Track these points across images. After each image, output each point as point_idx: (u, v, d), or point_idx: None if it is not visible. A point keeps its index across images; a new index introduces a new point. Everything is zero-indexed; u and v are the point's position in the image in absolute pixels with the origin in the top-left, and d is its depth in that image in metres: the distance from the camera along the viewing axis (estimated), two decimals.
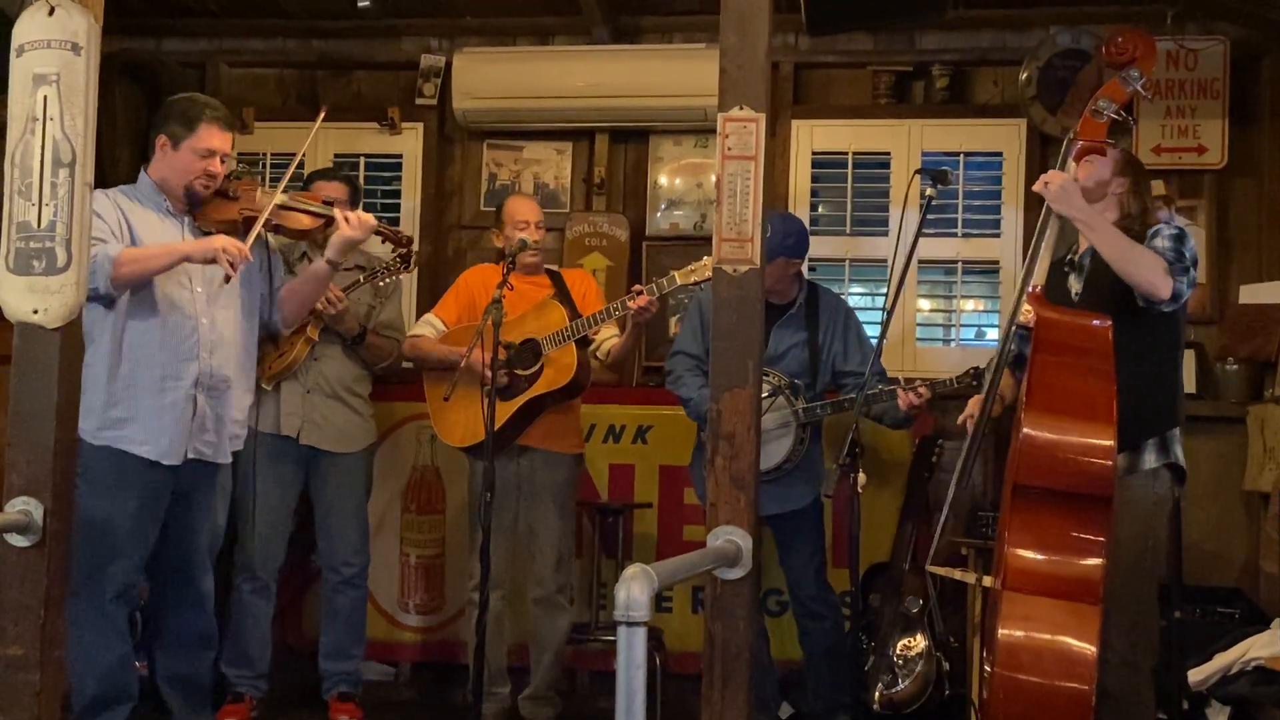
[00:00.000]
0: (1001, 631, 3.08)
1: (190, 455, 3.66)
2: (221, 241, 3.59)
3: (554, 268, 4.88)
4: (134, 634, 3.85)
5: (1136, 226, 3.47)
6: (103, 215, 3.51)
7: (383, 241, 4.24)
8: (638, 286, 4.44)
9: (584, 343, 4.55)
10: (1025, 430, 3.13)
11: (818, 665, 4.56)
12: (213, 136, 3.67)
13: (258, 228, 3.71)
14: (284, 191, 3.85)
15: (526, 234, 4.58)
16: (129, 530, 3.59)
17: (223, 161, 3.72)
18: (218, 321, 3.69)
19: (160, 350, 3.62)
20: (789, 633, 4.80)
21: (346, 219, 3.81)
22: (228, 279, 3.58)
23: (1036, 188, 3.40)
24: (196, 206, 3.72)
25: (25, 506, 2.89)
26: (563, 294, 4.64)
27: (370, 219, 3.87)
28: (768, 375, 4.35)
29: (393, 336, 4.80)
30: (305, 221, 3.87)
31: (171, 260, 3.58)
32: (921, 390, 4.22)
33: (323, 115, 3.98)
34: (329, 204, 3.95)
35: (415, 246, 4.24)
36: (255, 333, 3.87)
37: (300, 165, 5.44)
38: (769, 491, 4.29)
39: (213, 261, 3.57)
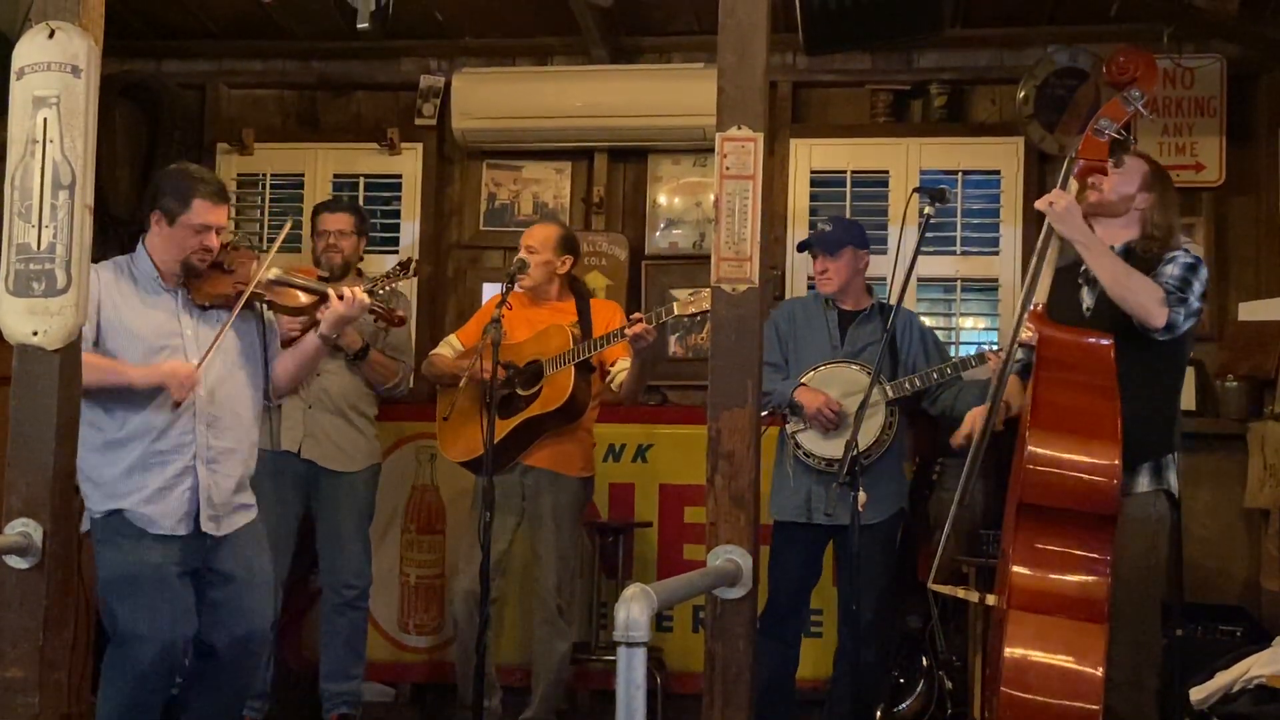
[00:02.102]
0: (1007, 651, 3.07)
1: (199, 529, 3.59)
2: (169, 368, 3.55)
3: (589, 295, 4.84)
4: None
5: (1156, 248, 3.44)
6: None
7: (375, 321, 4.12)
8: (637, 314, 4.43)
9: (586, 367, 4.54)
10: (1030, 448, 3.13)
11: (846, 684, 4.43)
12: (207, 212, 3.62)
13: (243, 299, 3.64)
14: (278, 265, 3.79)
15: (523, 255, 4.62)
16: (156, 578, 3.52)
17: (218, 234, 3.68)
18: (216, 395, 3.64)
19: (155, 425, 3.56)
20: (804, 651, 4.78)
21: (340, 296, 3.74)
22: (177, 404, 3.53)
23: (1039, 206, 3.40)
24: (193, 279, 3.68)
25: (24, 528, 2.89)
26: (585, 321, 4.64)
27: (365, 298, 3.77)
28: (852, 364, 4.37)
29: (400, 359, 4.80)
30: (300, 299, 3.81)
31: (117, 382, 3.53)
32: (1001, 353, 4.15)
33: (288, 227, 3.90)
34: (324, 279, 3.90)
35: (410, 284, 4.13)
36: (260, 404, 3.82)
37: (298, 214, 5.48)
38: (845, 496, 4.21)
39: (160, 388, 3.53)
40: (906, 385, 4.33)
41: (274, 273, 3.77)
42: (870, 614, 4.31)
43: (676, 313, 4.33)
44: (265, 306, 3.81)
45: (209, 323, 3.69)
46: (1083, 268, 3.56)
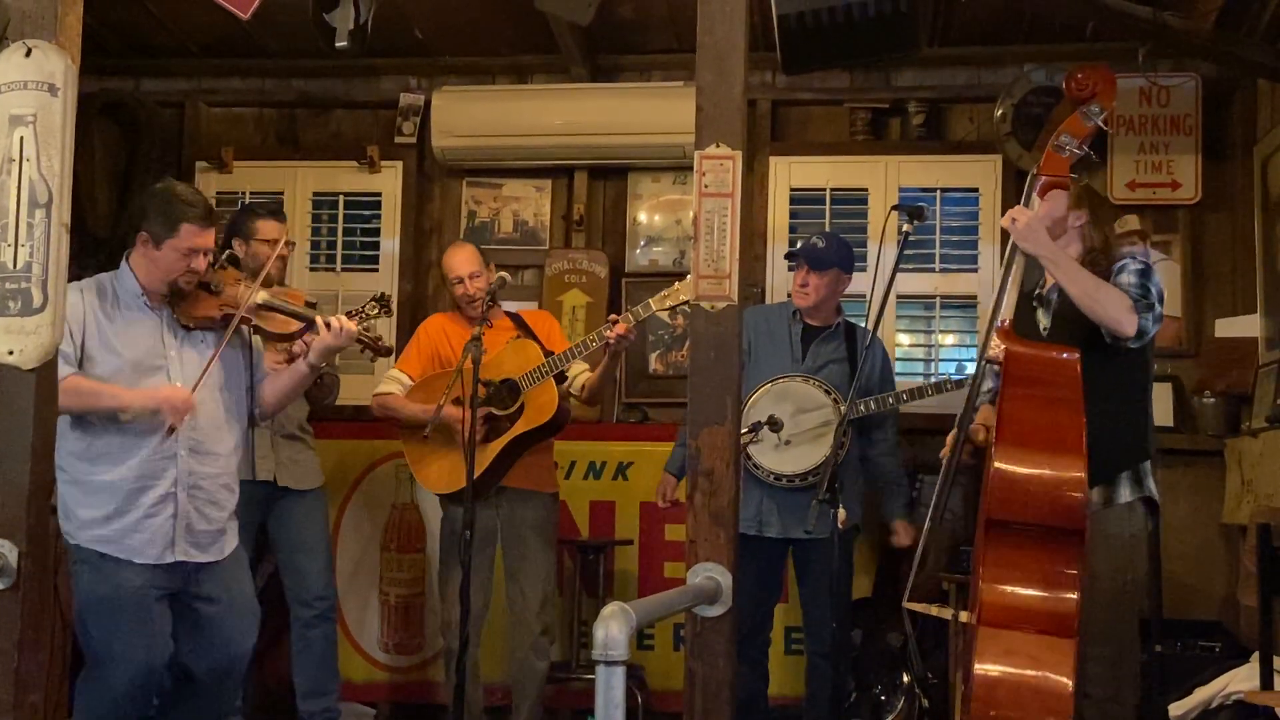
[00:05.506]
0: (978, 667, 3.07)
1: (178, 557, 3.55)
2: (165, 393, 3.52)
3: (513, 310, 4.86)
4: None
5: (1102, 261, 3.48)
6: (67, 319, 3.35)
7: (362, 350, 4.06)
8: (614, 315, 4.45)
9: (560, 379, 4.55)
10: (996, 464, 3.13)
11: (820, 704, 4.44)
12: (194, 236, 3.58)
13: (233, 325, 3.62)
14: (266, 288, 3.77)
15: (460, 289, 4.61)
16: (135, 602, 3.48)
17: (205, 255, 3.64)
18: (200, 421, 3.60)
19: (136, 451, 3.52)
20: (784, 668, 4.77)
21: (327, 325, 3.70)
22: (171, 430, 3.50)
23: (1004, 223, 3.44)
24: (179, 300, 3.65)
25: None
26: (528, 333, 4.65)
27: (352, 327, 3.74)
28: (810, 380, 4.40)
29: (332, 373, 4.77)
30: (289, 325, 3.77)
31: (113, 406, 3.49)
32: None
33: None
34: (311, 305, 3.84)
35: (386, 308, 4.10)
36: (242, 429, 3.78)
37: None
38: (796, 511, 4.26)
39: (156, 413, 3.49)
40: (861, 407, 4.36)
41: (262, 296, 3.73)
42: (838, 626, 4.33)
43: (654, 309, 4.36)
44: (251, 331, 3.77)
45: (193, 344, 3.66)
46: (1037, 290, 3.59)
